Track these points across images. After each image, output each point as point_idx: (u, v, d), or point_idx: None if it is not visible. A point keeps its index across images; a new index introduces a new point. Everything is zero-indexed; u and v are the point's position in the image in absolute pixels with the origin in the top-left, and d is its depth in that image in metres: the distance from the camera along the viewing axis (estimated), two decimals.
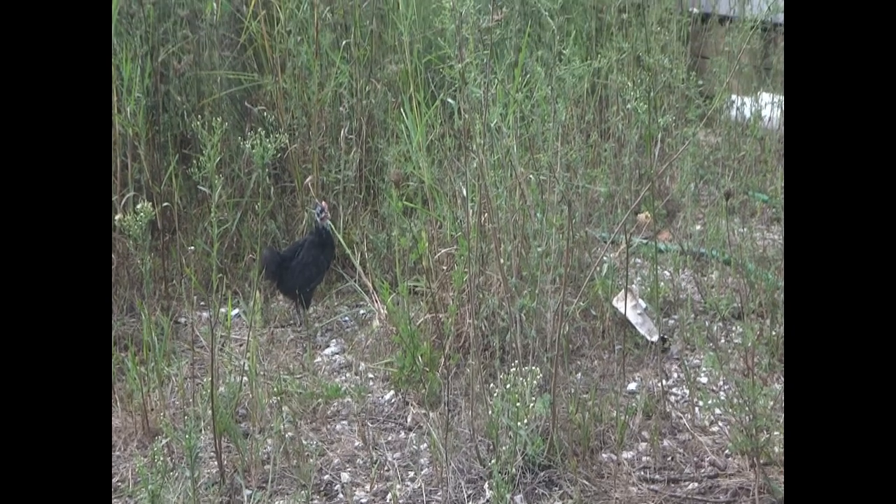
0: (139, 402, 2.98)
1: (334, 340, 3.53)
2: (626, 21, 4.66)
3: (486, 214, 3.10)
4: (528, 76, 3.44)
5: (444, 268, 3.31)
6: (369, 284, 3.52)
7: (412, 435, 2.99)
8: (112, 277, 3.56)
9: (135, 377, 2.99)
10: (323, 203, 3.58)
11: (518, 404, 2.33)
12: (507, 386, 2.32)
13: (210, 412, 2.76)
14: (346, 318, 3.65)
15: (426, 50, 4.23)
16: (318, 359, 3.42)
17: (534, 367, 2.34)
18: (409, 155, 3.69)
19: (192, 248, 3.66)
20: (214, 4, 4.23)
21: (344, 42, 4.11)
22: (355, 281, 3.63)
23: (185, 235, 3.81)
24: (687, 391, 3.13)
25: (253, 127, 3.91)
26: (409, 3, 4.08)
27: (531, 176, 3.22)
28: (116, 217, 3.04)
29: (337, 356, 3.43)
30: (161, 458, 2.48)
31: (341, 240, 3.69)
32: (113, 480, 2.81)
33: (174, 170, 3.82)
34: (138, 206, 2.97)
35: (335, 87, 4.03)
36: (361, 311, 3.67)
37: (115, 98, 3.80)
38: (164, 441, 2.64)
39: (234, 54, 4.32)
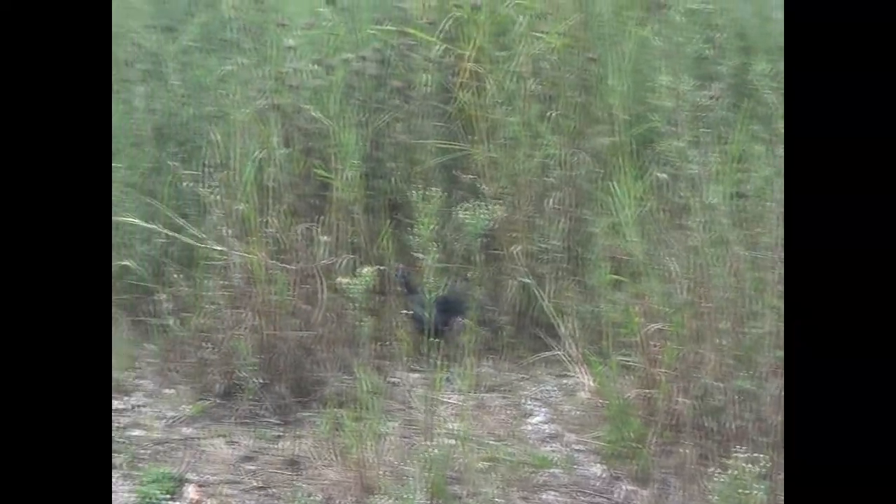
0: (356, 458, 3.08)
1: (541, 409, 3.57)
2: None
3: (699, 291, 3.10)
4: (745, 152, 3.44)
5: (654, 343, 3.32)
6: (575, 355, 3.55)
7: None
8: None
9: (351, 434, 3.10)
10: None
11: (741, 491, 2.33)
12: (733, 472, 2.31)
13: (423, 473, 2.84)
14: (553, 388, 3.69)
15: (635, 122, 4.26)
16: (526, 427, 3.46)
17: (758, 455, 2.33)
18: (618, 227, 3.72)
19: (406, 311, 3.76)
20: (426, 76, 4.37)
21: (550, 113, 4.18)
22: (561, 351, 3.66)
23: (396, 298, 3.93)
24: None
25: (464, 196, 4.02)
26: (620, 77, 4.13)
27: (748, 254, 3.20)
28: (339, 279, 3.19)
29: (544, 425, 3.47)
30: None
31: (547, 307, 3.73)
32: None
33: (387, 234, 3.96)
34: (363, 270, 3.10)
35: (543, 157, 4.09)
36: (566, 382, 3.70)
37: (333, 163, 3.98)
38: (384, 500, 2.72)
39: (444, 123, 4.44)
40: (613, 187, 3.75)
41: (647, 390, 3.21)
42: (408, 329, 3.81)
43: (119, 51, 4.74)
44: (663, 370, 3.19)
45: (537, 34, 4.23)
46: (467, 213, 3.27)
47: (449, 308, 3.75)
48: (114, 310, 4.19)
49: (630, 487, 3.06)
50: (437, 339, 3.70)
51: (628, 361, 3.41)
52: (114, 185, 4.17)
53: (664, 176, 3.66)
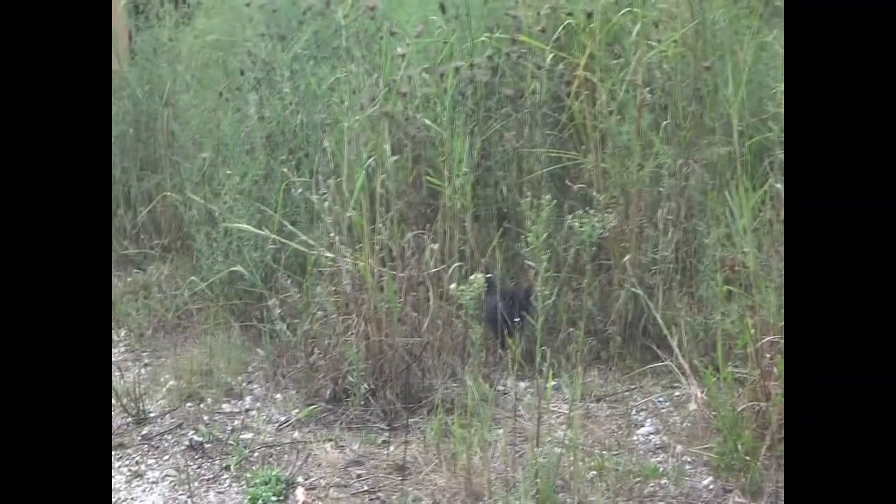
0: (463, 464, 3.08)
1: (649, 420, 3.52)
2: None
3: None
4: None
5: (768, 356, 3.25)
6: (685, 366, 3.49)
7: None
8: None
9: (459, 440, 3.10)
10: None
11: None
12: None
13: (532, 480, 2.82)
14: (661, 399, 3.64)
15: (750, 132, 4.18)
16: (634, 437, 3.42)
17: None
18: (731, 238, 3.65)
19: (516, 319, 3.75)
20: (537, 84, 4.36)
21: (663, 122, 4.14)
22: (671, 361, 3.61)
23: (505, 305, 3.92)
24: None
25: (573, 206, 4.00)
26: (736, 86, 4.06)
27: None
28: (450, 286, 3.19)
29: (653, 436, 3.42)
30: None
31: (658, 318, 3.69)
32: None
33: (497, 243, 3.96)
34: (471, 277, 3.10)
35: (655, 167, 4.05)
36: (676, 393, 3.64)
37: (443, 171, 3.99)
38: None
39: (555, 132, 4.43)
40: (728, 197, 3.69)
41: (760, 403, 3.14)
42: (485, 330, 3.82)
43: (233, 60, 4.85)
44: (777, 383, 3.12)
45: (651, 42, 4.19)
46: (579, 219, 3.25)
47: (517, 305, 3.76)
48: (224, 315, 4.28)
49: (741, 500, 2.99)
50: (510, 340, 3.71)
51: (740, 373, 3.34)
52: (226, 192, 4.26)
53: (781, 186, 3.58)
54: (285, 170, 4.20)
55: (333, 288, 3.75)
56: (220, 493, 3.28)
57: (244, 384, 3.96)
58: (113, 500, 3.27)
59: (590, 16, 4.26)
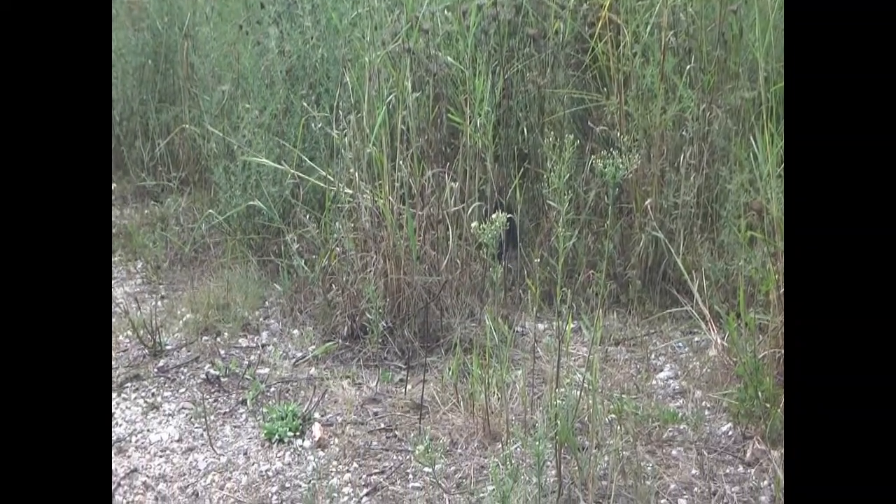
0: (481, 405, 3.08)
1: (668, 365, 3.51)
2: None
3: None
4: None
5: None
6: (705, 311, 3.47)
7: (752, 470, 2.93)
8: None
9: (477, 380, 3.10)
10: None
11: None
12: None
13: (551, 422, 2.82)
14: (681, 344, 3.63)
15: (775, 77, 4.14)
16: (653, 381, 3.41)
17: None
18: (754, 184, 3.62)
19: (538, 260, 3.73)
20: (561, 24, 4.30)
21: (688, 66, 4.09)
22: (691, 307, 3.59)
23: (524, 247, 3.90)
24: None
25: (594, 148, 3.97)
26: (761, 31, 4.01)
27: None
28: (473, 224, 3.16)
29: (671, 381, 3.41)
30: (510, 462, 2.55)
31: (678, 263, 3.67)
32: (456, 476, 2.92)
33: (518, 183, 3.93)
34: (493, 216, 3.06)
35: (678, 111, 4.01)
36: (696, 338, 3.63)
37: (466, 110, 3.95)
38: (515, 446, 2.70)
39: (577, 73, 4.38)
40: (753, 142, 3.65)
41: (781, 350, 3.13)
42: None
43: None
44: None
45: None
46: (602, 160, 3.21)
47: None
48: (242, 249, 4.26)
49: (761, 447, 2.99)
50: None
51: (762, 320, 3.33)
52: (245, 126, 4.22)
53: None
54: (305, 104, 4.16)
55: (352, 224, 3.73)
56: (236, 427, 3.29)
57: (261, 319, 3.95)
58: (129, 430, 3.28)
59: None
